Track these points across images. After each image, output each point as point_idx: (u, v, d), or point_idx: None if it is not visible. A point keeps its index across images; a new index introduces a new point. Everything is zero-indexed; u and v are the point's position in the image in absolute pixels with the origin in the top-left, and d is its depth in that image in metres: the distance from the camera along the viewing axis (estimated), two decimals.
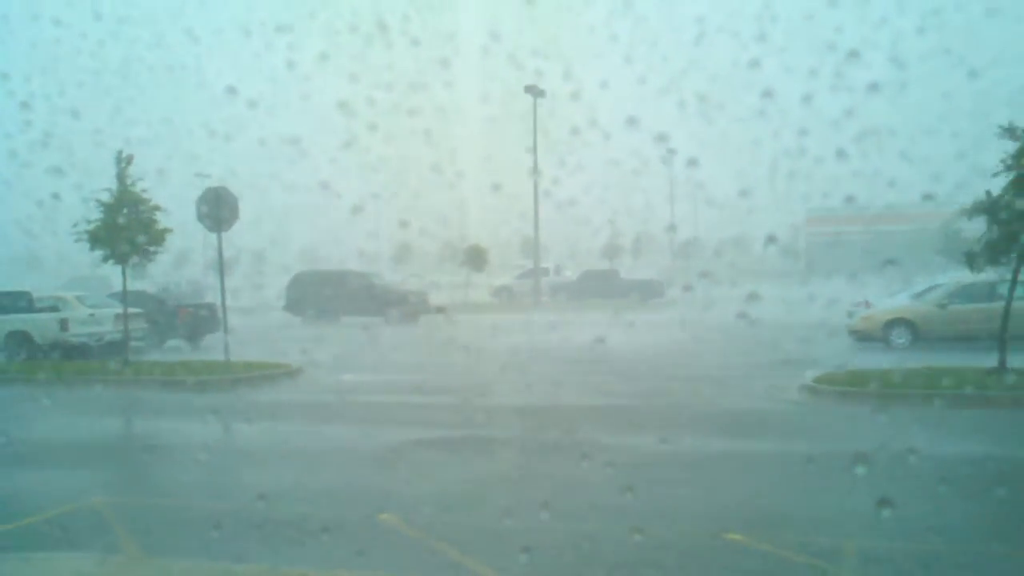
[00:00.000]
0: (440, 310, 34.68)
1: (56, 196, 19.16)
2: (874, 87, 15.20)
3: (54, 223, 19.83)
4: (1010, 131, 13.92)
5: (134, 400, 16.47)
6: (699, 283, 47.58)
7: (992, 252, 14.45)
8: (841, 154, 14.84)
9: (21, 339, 22.74)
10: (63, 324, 22.94)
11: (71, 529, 8.08)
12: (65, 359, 21.69)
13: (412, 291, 36.77)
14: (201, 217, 20.11)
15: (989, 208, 14.27)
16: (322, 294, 33.84)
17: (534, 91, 45.52)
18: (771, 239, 48.62)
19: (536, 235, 47.71)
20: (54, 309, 23.48)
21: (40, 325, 22.91)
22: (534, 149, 46.39)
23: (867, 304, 23.27)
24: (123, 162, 19.08)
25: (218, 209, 19.75)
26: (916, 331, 21.12)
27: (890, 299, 24.27)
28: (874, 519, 7.18)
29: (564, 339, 23.63)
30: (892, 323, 21.45)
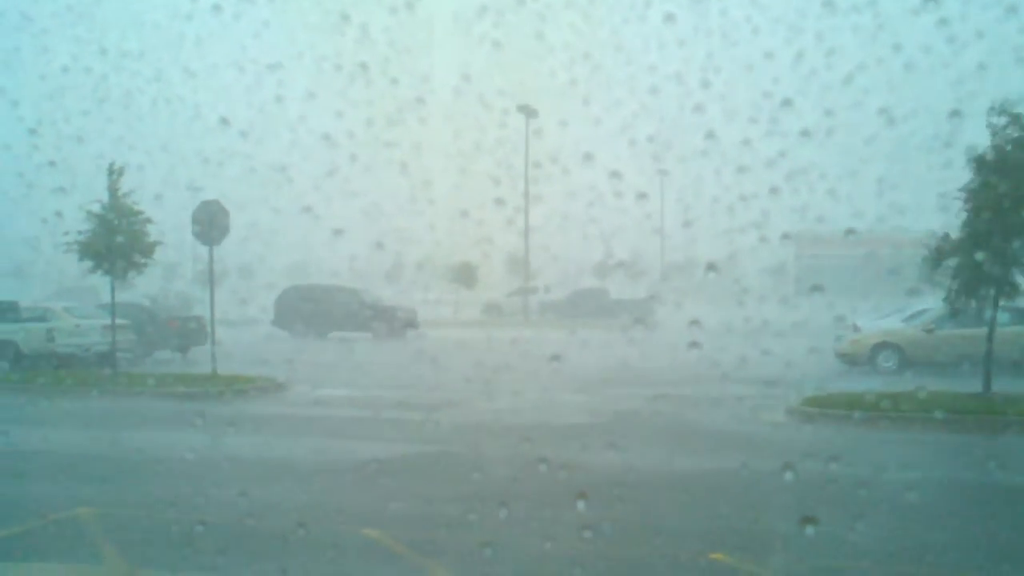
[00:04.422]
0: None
1: (59, 214, 19.36)
2: (805, 132, 15.83)
3: (54, 238, 20.04)
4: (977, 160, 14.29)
5: (119, 410, 16.40)
6: (688, 303, 47.64)
7: (967, 287, 14.89)
8: (775, 190, 15.31)
9: (7, 349, 22.68)
10: (50, 334, 22.88)
11: (55, 539, 8.05)
12: (52, 369, 21.59)
13: (400, 307, 36.69)
14: (195, 230, 20.16)
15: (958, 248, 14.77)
16: (311, 309, 33.73)
17: (527, 111, 45.64)
18: (711, 266, 49.70)
19: (526, 254, 47.80)
20: (42, 319, 23.43)
21: (27, 335, 22.85)
22: (525, 168, 46.56)
23: (855, 327, 23.32)
24: (115, 174, 19.02)
25: (211, 223, 19.80)
26: (903, 355, 21.14)
27: (879, 322, 24.33)
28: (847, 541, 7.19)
29: (551, 357, 23.55)
30: (879, 347, 21.48)
